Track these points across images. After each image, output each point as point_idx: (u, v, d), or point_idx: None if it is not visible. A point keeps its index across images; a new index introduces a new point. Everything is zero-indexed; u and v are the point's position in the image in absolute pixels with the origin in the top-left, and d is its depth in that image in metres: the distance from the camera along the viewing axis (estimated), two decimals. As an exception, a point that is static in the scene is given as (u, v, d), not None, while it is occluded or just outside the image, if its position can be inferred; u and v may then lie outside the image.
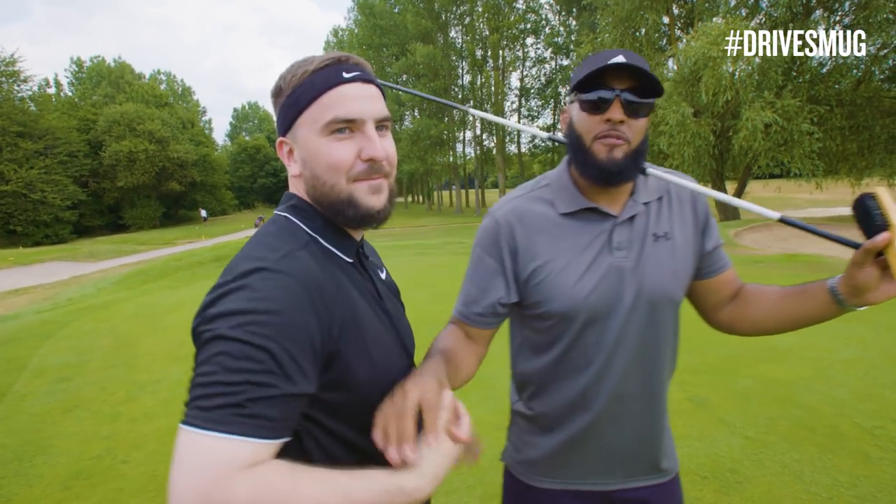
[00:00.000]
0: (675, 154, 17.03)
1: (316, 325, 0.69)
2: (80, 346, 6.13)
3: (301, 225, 0.82)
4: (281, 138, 0.85)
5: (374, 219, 0.82)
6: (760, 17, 18.15)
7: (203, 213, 41.66)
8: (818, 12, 17.19)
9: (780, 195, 26.16)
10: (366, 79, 0.81)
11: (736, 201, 1.00)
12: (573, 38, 31.17)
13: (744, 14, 17.60)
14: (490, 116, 1.27)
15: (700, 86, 15.60)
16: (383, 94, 0.86)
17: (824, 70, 17.82)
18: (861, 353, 4.33)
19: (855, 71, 17.61)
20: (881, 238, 0.80)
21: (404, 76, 36.30)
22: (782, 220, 0.93)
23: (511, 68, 34.66)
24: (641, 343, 1.03)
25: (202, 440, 0.59)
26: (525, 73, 35.88)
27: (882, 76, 17.79)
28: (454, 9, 33.10)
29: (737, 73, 15.74)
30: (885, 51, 16.57)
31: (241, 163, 60.88)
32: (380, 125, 0.82)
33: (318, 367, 0.71)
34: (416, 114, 35.02)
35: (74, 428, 3.73)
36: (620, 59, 0.92)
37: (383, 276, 0.98)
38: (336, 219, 0.83)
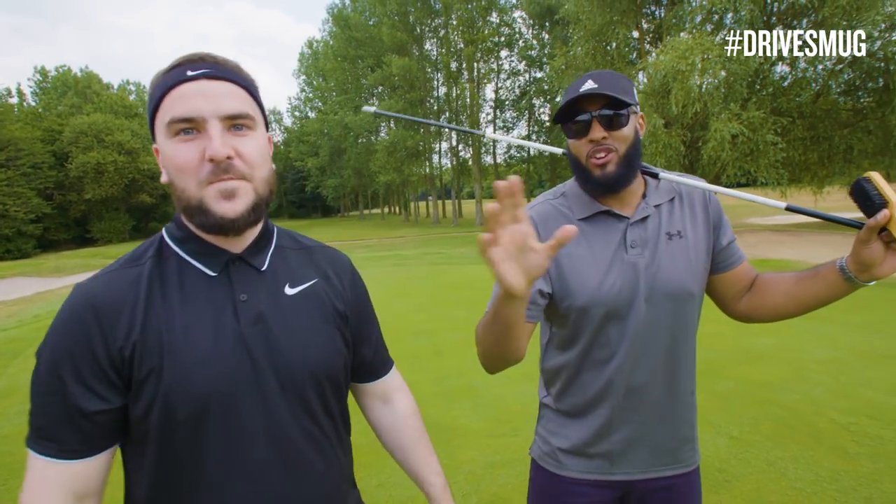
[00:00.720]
0: (648, 163, 17.48)
1: (101, 346, 0.72)
2: (51, 364, 5.90)
3: (166, 238, 0.83)
4: (154, 145, 0.81)
5: (228, 227, 0.76)
6: (724, 33, 18.89)
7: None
8: (778, 29, 17.98)
9: (748, 203, 27.06)
10: (216, 76, 0.76)
11: (743, 195, 1.09)
12: (546, 52, 31.81)
13: (709, 29, 18.27)
14: (506, 138, 1.37)
15: (670, 98, 16.10)
16: (251, 92, 0.81)
17: (786, 83, 18.64)
18: (833, 352, 4.51)
19: (814, 84, 18.47)
20: (882, 215, 0.88)
21: (380, 88, 36.34)
22: (788, 209, 1.03)
23: (486, 80, 35.05)
24: (662, 336, 1.09)
25: (29, 457, 0.72)
26: (500, 84, 36.35)
27: (838, 90, 18.69)
28: (429, 21, 33.42)
29: (704, 86, 16.33)
30: (841, 66, 17.44)
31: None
32: (236, 123, 0.76)
33: (115, 385, 0.74)
34: (391, 125, 35.12)
35: (49, 449, 3.57)
36: (588, 85, 1.03)
37: (293, 291, 0.87)
38: (196, 226, 0.79)
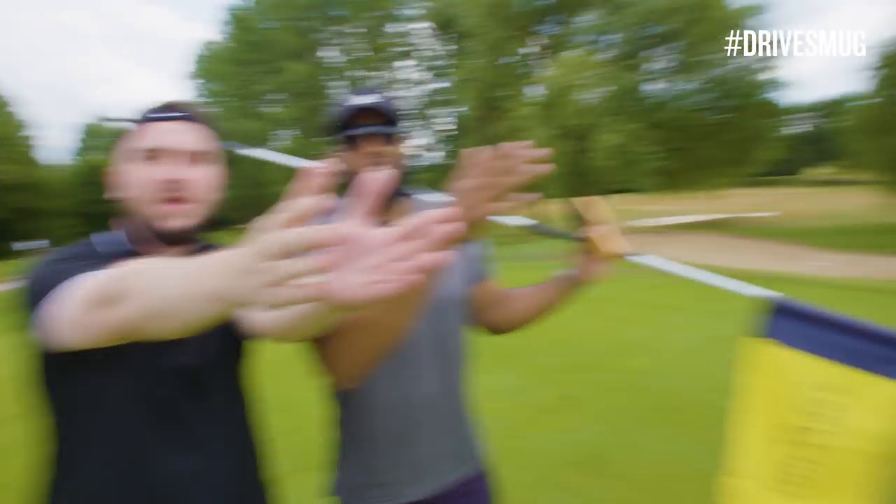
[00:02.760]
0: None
1: None
2: None
3: (94, 244, 0.92)
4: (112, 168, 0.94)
5: (167, 239, 0.88)
6: (613, 52, 20.77)
7: (36, 244, 35.50)
8: (646, 53, 20.19)
9: (631, 207, 29.72)
10: (187, 119, 0.92)
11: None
12: (450, 62, 32.65)
13: (591, 49, 19.97)
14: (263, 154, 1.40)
15: (560, 110, 17.33)
16: (215, 135, 0.97)
17: (661, 100, 20.88)
18: (692, 338, 5.14)
19: (684, 102, 20.90)
20: (584, 230, 1.12)
21: (268, 95, 34.97)
22: (533, 228, 1.21)
23: (389, 89, 35.22)
24: (440, 344, 1.11)
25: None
26: (405, 94, 36.71)
27: (705, 108, 21.32)
28: (329, 28, 32.90)
29: (591, 100, 17.85)
30: (708, 85, 19.96)
31: (93, 185, 53.81)
32: (194, 157, 0.90)
33: None
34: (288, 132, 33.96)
35: None
36: (370, 99, 1.06)
37: None
38: (141, 237, 0.89)
